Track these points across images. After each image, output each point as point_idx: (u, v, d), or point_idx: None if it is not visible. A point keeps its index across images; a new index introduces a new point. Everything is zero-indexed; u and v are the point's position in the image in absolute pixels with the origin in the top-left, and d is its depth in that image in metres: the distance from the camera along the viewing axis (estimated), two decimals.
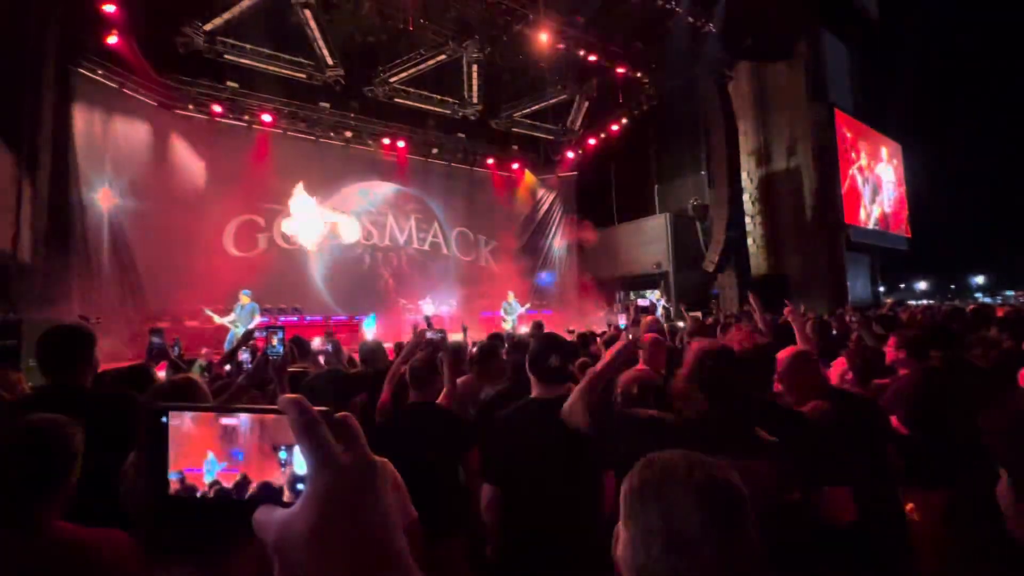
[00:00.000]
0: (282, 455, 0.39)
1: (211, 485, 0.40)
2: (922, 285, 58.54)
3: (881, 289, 19.11)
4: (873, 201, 17.07)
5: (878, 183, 17.64)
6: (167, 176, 10.56)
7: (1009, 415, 1.00)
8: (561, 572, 1.66)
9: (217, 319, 8.01)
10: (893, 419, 2.29)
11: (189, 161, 10.98)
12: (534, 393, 1.94)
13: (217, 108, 11.18)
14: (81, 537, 1.14)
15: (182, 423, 0.40)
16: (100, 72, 9.32)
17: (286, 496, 0.38)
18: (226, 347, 7.35)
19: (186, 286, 9.82)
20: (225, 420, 0.40)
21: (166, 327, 9.02)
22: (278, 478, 0.39)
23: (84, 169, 8.91)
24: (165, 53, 9.93)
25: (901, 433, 2.29)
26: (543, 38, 10.95)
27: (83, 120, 9.00)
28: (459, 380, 2.95)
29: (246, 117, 11.69)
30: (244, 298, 8.11)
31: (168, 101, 10.54)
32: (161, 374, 4.53)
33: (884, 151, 18.41)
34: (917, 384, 2.39)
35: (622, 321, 3.53)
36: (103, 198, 9.35)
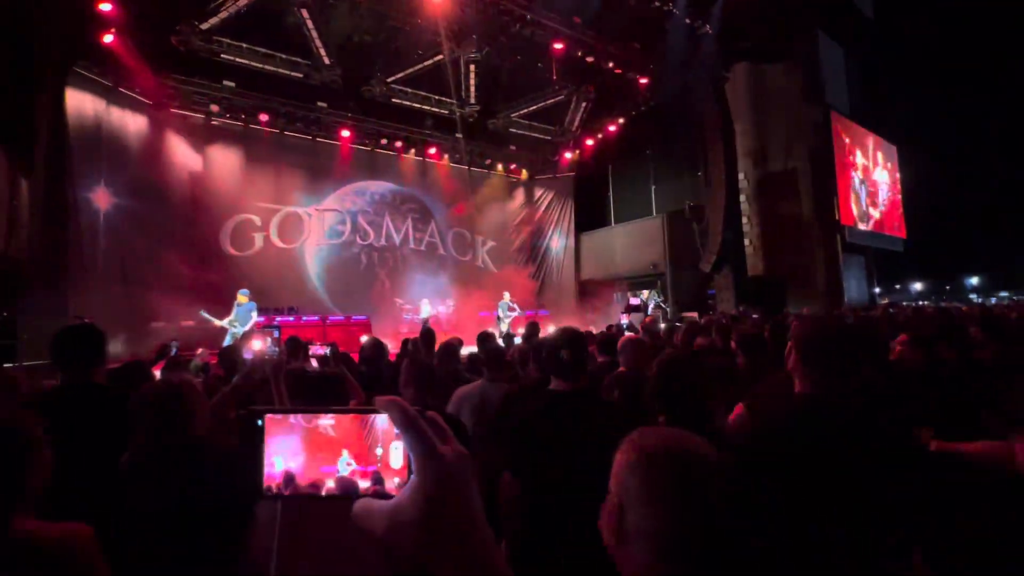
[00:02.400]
0: (378, 451, 0.43)
1: (338, 481, 0.43)
2: (918, 286, 58.86)
3: (877, 290, 19.20)
4: (869, 202, 17.15)
5: (874, 184, 17.72)
6: (163, 175, 10.53)
7: None
8: (578, 561, 1.66)
9: (216, 322, 7.97)
10: None
11: (186, 160, 10.96)
12: (552, 386, 1.99)
13: (214, 107, 11.15)
14: (43, 534, 1.13)
15: (318, 425, 0.43)
16: (96, 70, 9.28)
17: (386, 489, 0.42)
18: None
19: (183, 285, 9.79)
20: (323, 421, 0.43)
21: (162, 327, 9.01)
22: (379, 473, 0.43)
23: (79, 168, 8.87)
24: (161, 52, 9.87)
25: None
26: (542, 39, 10.98)
27: (78, 119, 8.96)
28: (466, 387, 2.96)
29: (243, 116, 11.66)
30: (242, 298, 8.08)
31: (164, 100, 10.50)
32: (157, 373, 4.51)
33: (880, 152, 18.50)
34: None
35: (624, 320, 3.56)
36: (98, 197, 9.33)
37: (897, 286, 53.92)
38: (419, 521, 0.39)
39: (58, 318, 6.61)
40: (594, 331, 5.74)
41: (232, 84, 11.25)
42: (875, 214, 17.44)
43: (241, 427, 0.43)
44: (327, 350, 3.16)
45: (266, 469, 0.43)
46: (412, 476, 0.40)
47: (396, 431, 0.41)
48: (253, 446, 0.43)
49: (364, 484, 0.43)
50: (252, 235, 11.81)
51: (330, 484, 0.43)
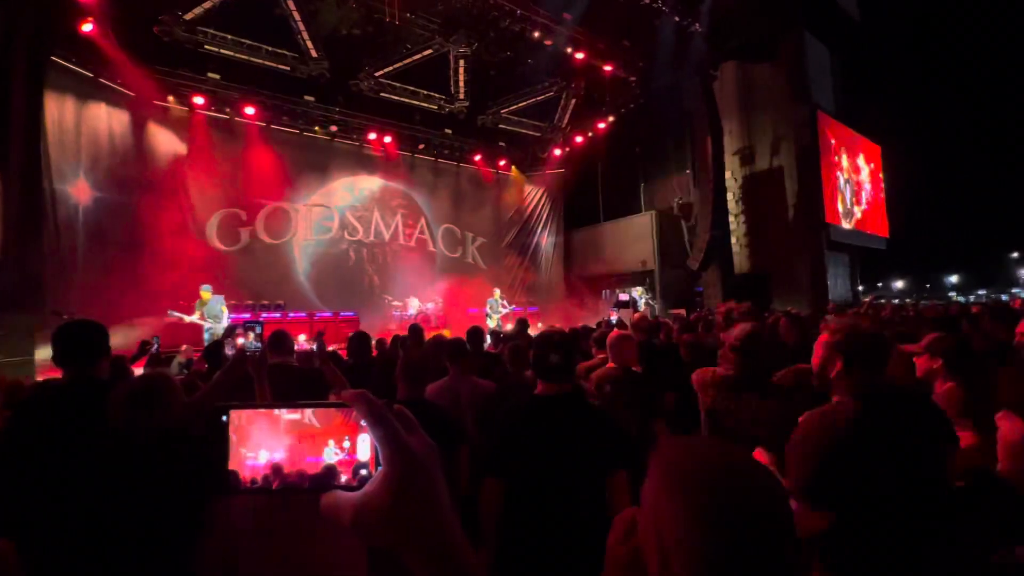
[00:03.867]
0: (345, 444, 0.44)
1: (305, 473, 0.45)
2: (899, 284, 59.99)
3: (860, 288, 19.50)
4: (853, 201, 17.39)
5: (857, 183, 17.98)
6: (146, 168, 10.33)
7: None
8: (562, 567, 1.65)
9: (187, 318, 7.83)
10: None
11: (169, 153, 10.75)
12: (538, 390, 1.96)
13: (198, 100, 10.94)
14: None
15: (304, 416, 0.45)
16: (75, 61, 9.06)
17: (345, 480, 0.44)
18: (206, 342, 7.20)
19: (166, 280, 9.62)
20: (289, 415, 0.45)
21: (145, 322, 8.85)
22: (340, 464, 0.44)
23: (57, 160, 8.67)
24: (143, 42, 9.65)
25: None
26: (532, 35, 10.95)
27: (56, 110, 8.75)
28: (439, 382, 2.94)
29: (228, 109, 11.47)
30: (205, 294, 7.94)
31: (146, 92, 10.27)
32: (138, 371, 4.43)
33: (864, 152, 18.76)
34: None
35: (612, 317, 3.57)
36: (78, 190, 9.12)
37: (879, 284, 54.90)
38: (387, 510, 0.40)
39: (35, 314, 6.45)
40: (589, 327, 5.73)
41: (217, 76, 11.05)
42: (858, 213, 17.70)
43: (207, 423, 0.44)
44: (314, 346, 3.11)
45: (249, 461, 0.44)
46: (380, 467, 0.42)
47: (363, 423, 0.43)
48: (218, 441, 0.44)
49: (345, 477, 0.44)
50: (238, 230, 11.64)
51: (314, 473, 0.44)
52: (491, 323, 10.70)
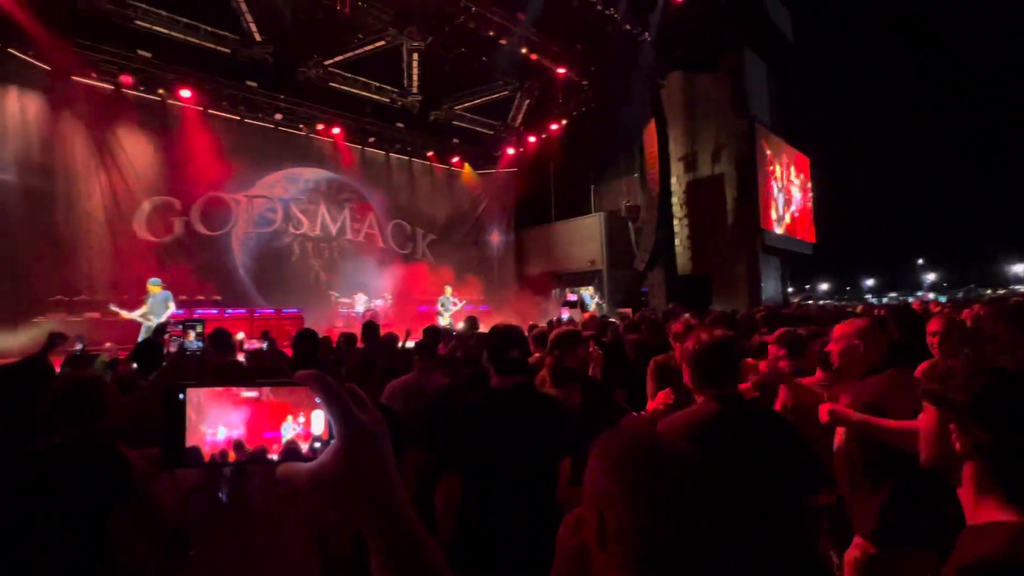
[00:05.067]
0: (300, 419, 0.47)
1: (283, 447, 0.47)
2: (824, 286, 64.70)
3: (790, 290, 20.92)
4: (785, 208, 18.61)
5: (788, 192, 19.24)
6: (63, 151, 9.47)
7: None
8: (519, 557, 1.69)
9: (126, 315, 7.19)
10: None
11: (91, 135, 9.88)
12: (493, 383, 1.99)
13: (126, 79, 10.14)
14: None
15: (261, 395, 0.47)
16: None
17: (304, 452, 0.46)
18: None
19: (87, 274, 8.89)
20: (247, 392, 0.47)
21: (61, 319, 8.14)
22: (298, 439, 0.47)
23: None
24: (63, 13, 8.82)
25: None
26: (487, 32, 10.94)
27: None
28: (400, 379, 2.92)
29: (160, 91, 10.70)
30: (153, 288, 7.34)
31: (65, 67, 9.40)
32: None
33: (794, 163, 20.10)
34: None
35: (564, 314, 3.64)
36: None
37: (807, 286, 59.04)
38: (339, 479, 0.43)
39: None
40: (540, 325, 5.81)
41: (148, 55, 10.29)
42: (788, 219, 18.96)
43: (163, 401, 0.46)
44: (264, 344, 3.00)
45: (209, 438, 0.46)
46: (333, 440, 0.45)
47: (318, 400, 0.46)
48: (175, 420, 0.45)
49: (305, 446, 0.47)
50: (171, 220, 10.89)
51: (275, 448, 0.47)
52: (443, 321, 10.62)
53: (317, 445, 0.46)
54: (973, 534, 0.83)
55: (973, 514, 0.86)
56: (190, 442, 0.46)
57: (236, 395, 0.46)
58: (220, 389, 0.46)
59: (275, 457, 0.46)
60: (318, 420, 0.46)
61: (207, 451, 0.46)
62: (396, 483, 0.45)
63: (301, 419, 0.47)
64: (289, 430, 0.47)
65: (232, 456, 0.46)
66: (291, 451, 0.46)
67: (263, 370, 2.97)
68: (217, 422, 0.46)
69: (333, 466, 0.44)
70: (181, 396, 0.46)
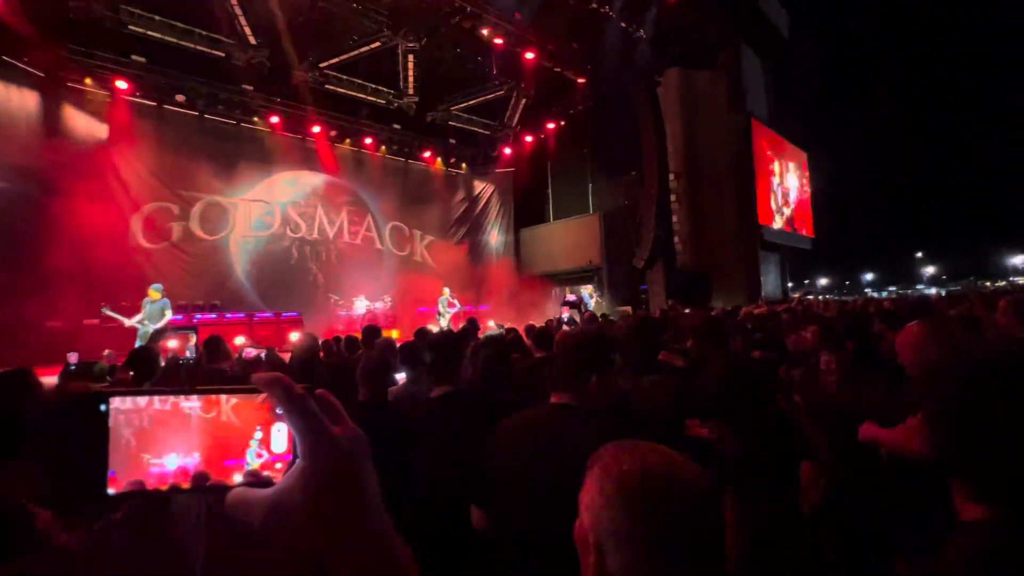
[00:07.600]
0: (257, 435, 0.38)
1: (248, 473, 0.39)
2: (823, 281, 64.75)
3: (790, 285, 20.92)
4: (783, 204, 18.59)
5: (786, 187, 19.23)
6: (59, 158, 9.39)
7: None
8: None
9: (124, 320, 7.12)
10: None
11: (87, 141, 9.85)
12: (555, 399, 1.56)
13: (121, 84, 10.10)
14: None
15: (220, 414, 0.38)
16: None
17: (263, 475, 0.38)
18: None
19: (84, 280, 8.83)
20: (204, 414, 0.39)
21: (59, 326, 8.11)
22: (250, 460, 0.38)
23: None
24: (58, 20, 8.79)
25: None
26: (482, 32, 10.91)
27: None
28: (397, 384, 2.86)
29: (156, 96, 10.67)
30: (153, 294, 7.26)
31: (59, 73, 9.36)
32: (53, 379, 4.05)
33: (792, 158, 20.09)
34: None
35: (564, 314, 3.60)
36: None
37: (806, 281, 59.09)
38: (306, 510, 0.35)
39: None
40: (536, 325, 5.77)
41: (142, 60, 10.25)
42: (787, 215, 18.94)
43: (83, 413, 0.39)
44: (262, 353, 2.96)
45: (155, 469, 0.37)
46: (298, 460, 0.36)
47: (279, 411, 0.37)
48: (96, 435, 0.37)
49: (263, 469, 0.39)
50: (169, 225, 10.86)
51: (237, 479, 0.38)
52: (442, 322, 10.59)
53: (278, 466, 0.38)
54: (952, 538, 0.79)
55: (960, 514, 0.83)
56: (131, 475, 0.37)
57: (190, 415, 0.38)
58: (169, 409, 0.38)
59: (235, 480, 0.38)
60: (279, 436, 0.38)
61: (152, 485, 0.37)
62: (375, 512, 0.38)
63: (258, 434, 0.38)
64: (254, 457, 0.38)
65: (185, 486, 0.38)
66: (250, 473, 0.38)
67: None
68: (167, 448, 0.38)
69: (298, 495, 0.35)
70: (103, 407, 0.37)
